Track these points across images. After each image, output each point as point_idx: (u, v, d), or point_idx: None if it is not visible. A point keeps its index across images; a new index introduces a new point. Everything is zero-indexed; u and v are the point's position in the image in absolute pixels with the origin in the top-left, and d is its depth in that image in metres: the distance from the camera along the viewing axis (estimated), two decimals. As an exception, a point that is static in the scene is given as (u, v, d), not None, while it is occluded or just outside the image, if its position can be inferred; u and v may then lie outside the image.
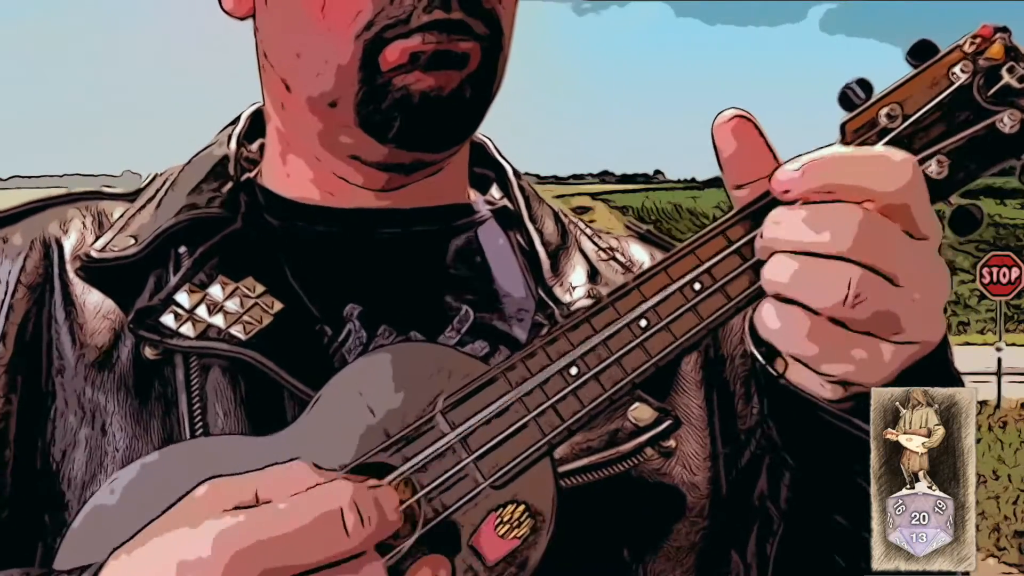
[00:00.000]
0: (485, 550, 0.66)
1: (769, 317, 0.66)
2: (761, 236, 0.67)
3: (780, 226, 0.66)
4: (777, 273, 0.65)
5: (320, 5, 0.78)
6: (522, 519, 0.67)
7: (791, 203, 0.67)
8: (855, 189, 0.64)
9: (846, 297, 0.63)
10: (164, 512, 0.63)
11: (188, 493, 0.63)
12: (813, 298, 0.64)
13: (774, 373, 0.71)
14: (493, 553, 0.66)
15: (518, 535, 0.66)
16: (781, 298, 0.65)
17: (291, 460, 0.65)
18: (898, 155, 0.66)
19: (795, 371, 0.71)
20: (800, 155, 0.67)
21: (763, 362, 0.72)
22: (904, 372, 0.67)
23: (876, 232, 0.64)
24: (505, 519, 0.67)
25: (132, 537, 0.63)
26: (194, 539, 0.60)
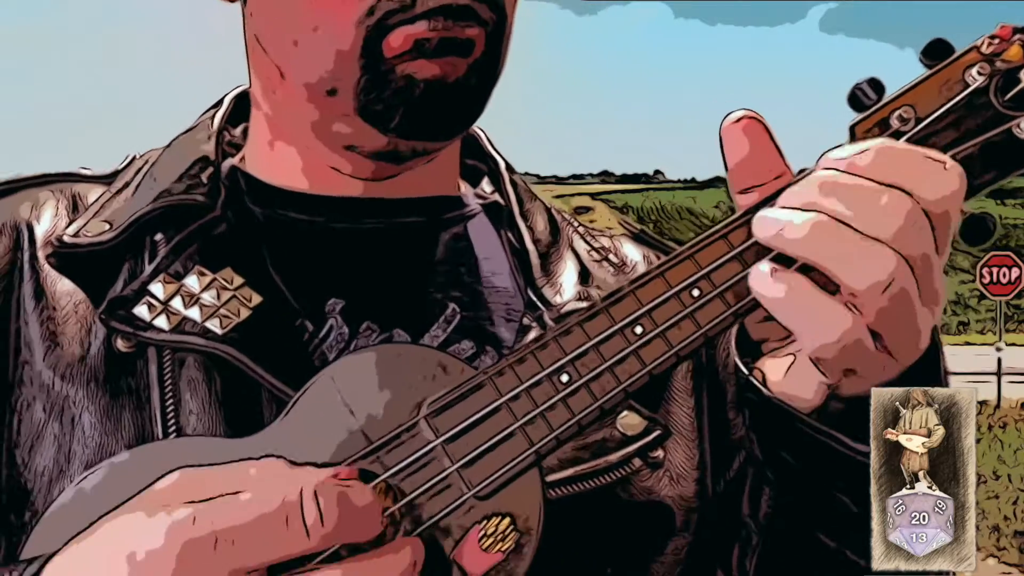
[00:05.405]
0: (468, 564, 0.63)
1: (782, 297, 0.64)
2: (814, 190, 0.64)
3: (839, 186, 0.63)
4: (829, 242, 0.63)
5: None
6: (507, 532, 0.64)
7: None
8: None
9: (889, 284, 0.62)
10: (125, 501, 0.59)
11: (152, 483, 0.59)
12: (850, 278, 0.62)
13: (756, 383, 0.69)
14: (476, 568, 0.63)
15: (502, 549, 0.63)
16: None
17: (265, 456, 0.61)
18: (948, 160, 0.65)
19: (791, 375, 0.69)
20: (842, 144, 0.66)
21: (746, 373, 0.69)
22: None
23: (919, 229, 0.63)
24: (489, 532, 0.64)
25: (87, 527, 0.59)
26: (146, 529, 0.56)
